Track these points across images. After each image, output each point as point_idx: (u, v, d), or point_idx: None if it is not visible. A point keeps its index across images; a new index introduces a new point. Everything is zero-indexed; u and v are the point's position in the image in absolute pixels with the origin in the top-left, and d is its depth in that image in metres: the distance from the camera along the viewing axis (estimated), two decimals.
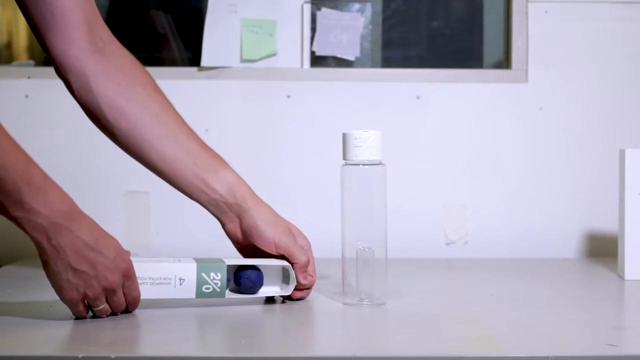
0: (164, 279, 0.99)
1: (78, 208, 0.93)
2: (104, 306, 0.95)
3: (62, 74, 1.05)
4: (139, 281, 0.98)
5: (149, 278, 0.99)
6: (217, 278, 1.00)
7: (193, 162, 1.07)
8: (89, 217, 0.95)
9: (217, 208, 1.08)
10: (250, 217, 1.07)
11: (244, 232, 1.07)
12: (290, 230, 1.08)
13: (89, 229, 0.93)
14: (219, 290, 1.00)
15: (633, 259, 1.27)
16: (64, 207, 0.92)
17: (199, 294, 1.00)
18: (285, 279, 1.05)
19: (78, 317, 0.95)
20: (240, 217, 1.08)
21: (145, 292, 0.98)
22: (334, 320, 0.99)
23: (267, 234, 1.05)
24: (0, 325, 0.93)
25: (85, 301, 0.94)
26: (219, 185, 1.07)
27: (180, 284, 1.00)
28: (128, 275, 0.96)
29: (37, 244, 0.91)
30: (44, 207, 0.90)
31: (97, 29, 1.05)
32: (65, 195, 0.93)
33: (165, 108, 1.09)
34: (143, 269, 0.99)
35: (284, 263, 1.04)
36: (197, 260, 1.02)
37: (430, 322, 0.97)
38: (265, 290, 1.04)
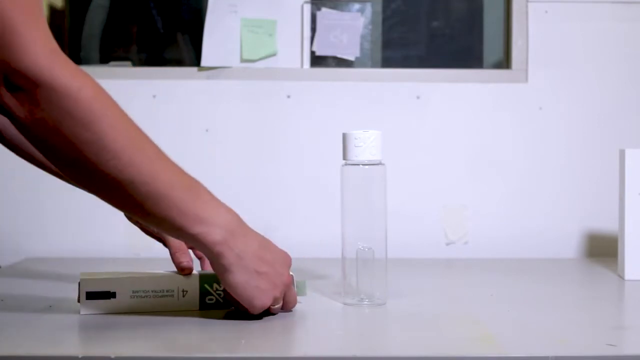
0: (167, 291, 0.99)
1: (242, 219, 0.95)
2: (280, 304, 0.97)
3: None
4: (142, 294, 0.98)
5: (152, 291, 0.99)
6: (220, 289, 1.00)
7: None
8: (250, 228, 0.96)
9: None
10: None
11: None
12: None
13: (254, 233, 0.95)
14: (222, 301, 1.00)
15: (633, 259, 1.27)
16: (233, 216, 0.93)
17: (203, 305, 1.00)
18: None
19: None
20: None
21: (148, 305, 0.98)
22: (334, 320, 0.99)
23: None
24: (0, 325, 0.94)
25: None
26: None
27: (183, 296, 1.00)
28: (288, 280, 0.98)
29: (220, 257, 0.91)
30: (220, 218, 0.91)
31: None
32: (227, 206, 0.94)
33: None
34: (145, 281, 0.98)
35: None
36: (199, 272, 1.02)
37: (430, 322, 0.97)
38: None
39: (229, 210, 0.93)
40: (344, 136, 1.04)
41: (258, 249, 0.94)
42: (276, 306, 0.96)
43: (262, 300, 0.94)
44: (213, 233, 0.90)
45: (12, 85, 0.82)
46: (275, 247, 0.98)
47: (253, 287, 0.93)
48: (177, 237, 0.95)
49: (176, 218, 0.89)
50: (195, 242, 0.91)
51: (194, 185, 0.91)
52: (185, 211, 0.89)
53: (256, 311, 0.94)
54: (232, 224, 0.92)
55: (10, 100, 0.83)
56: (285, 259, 0.97)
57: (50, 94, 0.82)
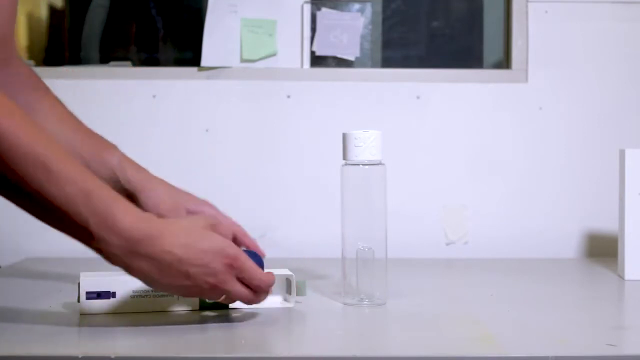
0: None
1: (154, 223, 0.86)
2: (224, 296, 0.91)
3: None
4: (142, 294, 0.98)
5: (152, 290, 0.99)
6: None
7: (78, 155, 1.06)
8: (169, 228, 0.87)
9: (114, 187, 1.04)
10: (143, 202, 1.07)
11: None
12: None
13: (169, 244, 0.85)
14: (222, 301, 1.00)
15: (633, 259, 1.27)
16: (138, 230, 0.84)
17: (203, 304, 1.00)
18: (289, 289, 1.03)
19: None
20: (135, 201, 1.07)
21: (148, 305, 0.98)
22: (334, 320, 0.99)
23: None
24: (0, 325, 0.93)
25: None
26: (102, 170, 1.07)
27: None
28: (235, 268, 0.89)
29: (125, 269, 0.86)
30: (114, 236, 0.83)
31: (9, 42, 1.05)
32: (137, 213, 0.86)
33: (53, 105, 1.11)
34: None
35: (287, 273, 1.03)
36: None
37: (430, 322, 0.97)
38: (269, 302, 1.03)
39: (133, 220, 0.84)
40: (344, 136, 1.04)
41: (168, 265, 0.86)
42: (223, 299, 0.92)
43: (189, 296, 0.93)
44: (110, 253, 0.84)
45: None
46: (201, 251, 0.87)
47: (171, 290, 0.90)
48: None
49: (72, 232, 0.85)
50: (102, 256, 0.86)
51: (89, 196, 0.83)
52: (77, 227, 0.84)
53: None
54: (133, 241, 0.84)
55: None
56: (215, 268, 0.88)
57: None
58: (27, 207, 0.86)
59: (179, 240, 0.86)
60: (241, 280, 0.91)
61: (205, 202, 1.12)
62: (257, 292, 0.92)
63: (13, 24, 1.05)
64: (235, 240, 1.09)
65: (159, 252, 0.85)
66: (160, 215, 0.95)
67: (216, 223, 0.93)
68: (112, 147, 1.11)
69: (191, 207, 1.10)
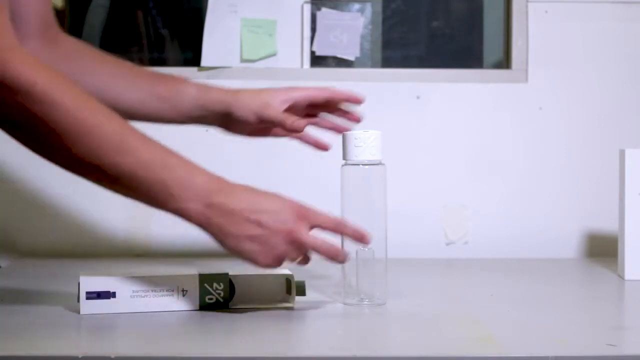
0: (167, 290, 0.99)
1: (226, 182, 0.93)
2: (301, 258, 0.94)
3: None
4: (142, 294, 0.98)
5: (152, 290, 0.99)
6: (220, 288, 1.00)
7: (158, 98, 1.12)
8: (240, 186, 0.94)
9: (206, 118, 1.14)
10: (235, 117, 1.11)
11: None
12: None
13: (240, 197, 0.92)
14: (222, 300, 1.00)
15: (633, 259, 1.27)
16: (212, 186, 0.92)
17: (203, 304, 1.00)
18: (288, 290, 1.04)
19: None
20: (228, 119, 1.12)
21: (148, 305, 0.98)
22: (334, 320, 0.99)
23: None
24: (0, 325, 0.93)
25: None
26: (186, 103, 1.12)
27: (183, 295, 1.00)
28: (305, 217, 0.93)
29: (204, 228, 0.92)
30: (192, 192, 0.90)
31: (51, 26, 1.12)
32: (209, 174, 0.93)
33: (115, 64, 1.15)
34: (145, 281, 0.98)
35: (286, 272, 1.03)
36: (199, 271, 1.02)
37: (430, 322, 0.97)
38: (268, 302, 1.03)
39: (207, 179, 0.92)
40: (344, 136, 1.04)
41: (242, 214, 0.92)
42: (295, 261, 0.95)
43: (260, 263, 0.93)
44: (188, 209, 0.91)
45: None
46: (270, 203, 0.93)
47: (243, 252, 0.92)
48: (161, 210, 0.94)
49: (149, 198, 0.91)
50: (178, 216, 0.92)
51: (164, 160, 0.91)
52: (157, 190, 0.90)
53: (270, 268, 0.95)
54: (209, 194, 0.91)
55: None
56: (288, 215, 0.93)
57: (7, 92, 0.85)
58: (99, 180, 0.92)
59: (249, 192, 0.93)
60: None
61: (287, 89, 1.13)
62: (344, 232, 0.96)
63: (50, 5, 1.13)
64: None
65: (232, 201, 0.91)
66: (254, 113, 1.07)
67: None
68: (186, 80, 1.15)
69: (278, 100, 1.11)
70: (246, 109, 1.11)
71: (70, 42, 1.16)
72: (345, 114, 1.15)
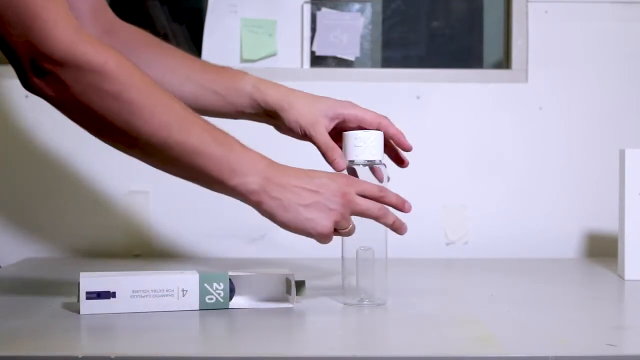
0: (167, 290, 0.99)
1: (271, 159, 0.97)
2: (351, 226, 0.97)
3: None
4: (142, 294, 0.98)
5: (152, 290, 0.99)
6: (220, 288, 1.00)
7: (213, 92, 1.13)
8: (287, 166, 0.98)
9: (259, 117, 1.14)
10: (285, 119, 1.11)
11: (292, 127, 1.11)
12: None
13: (292, 172, 0.97)
14: (222, 300, 1.00)
15: (633, 259, 1.27)
16: (266, 161, 0.96)
17: (202, 304, 1.00)
18: (288, 290, 1.03)
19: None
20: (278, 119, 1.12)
21: (148, 305, 0.98)
22: (334, 320, 0.99)
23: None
24: (0, 325, 0.93)
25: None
26: (241, 98, 1.13)
27: (183, 295, 1.00)
28: (353, 183, 0.97)
29: (260, 204, 0.95)
30: (254, 167, 0.94)
31: (103, 13, 1.12)
32: (261, 154, 0.97)
33: (173, 56, 1.15)
34: (145, 281, 0.98)
35: (286, 273, 1.03)
36: (199, 271, 1.02)
37: (430, 322, 0.97)
38: (268, 302, 1.03)
39: (262, 158, 0.96)
40: (345, 136, 1.04)
41: (296, 184, 0.95)
42: (348, 228, 0.97)
43: (319, 229, 0.95)
44: (250, 183, 0.94)
45: (40, 69, 0.87)
46: (321, 174, 0.98)
47: (304, 221, 0.95)
48: (217, 191, 0.96)
49: (213, 173, 0.93)
50: (235, 194, 0.94)
51: (226, 139, 0.95)
52: (220, 165, 0.93)
53: (324, 240, 0.97)
54: (267, 170, 0.95)
55: (39, 83, 0.89)
56: (338, 181, 0.97)
57: (77, 72, 0.87)
58: (162, 161, 0.94)
59: (298, 168, 0.98)
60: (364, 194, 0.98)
61: (344, 104, 1.13)
62: (386, 201, 0.99)
63: None
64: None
65: (286, 176, 0.95)
66: (302, 128, 1.09)
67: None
68: (243, 75, 1.15)
69: (330, 114, 1.11)
70: (294, 122, 1.11)
71: (127, 31, 1.15)
72: (393, 152, 1.15)
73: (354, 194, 0.97)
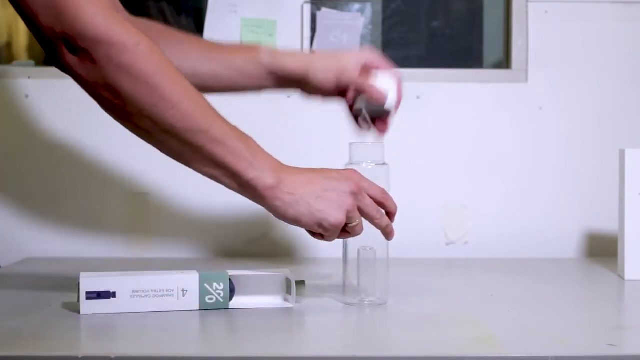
0: (167, 290, 0.99)
1: (279, 162, 0.99)
2: (359, 221, 0.98)
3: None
4: (142, 294, 0.98)
5: (152, 290, 0.99)
6: (220, 288, 1.00)
7: (231, 68, 1.15)
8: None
9: (282, 84, 1.16)
10: (311, 83, 1.14)
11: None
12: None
13: (302, 169, 0.99)
14: (222, 300, 1.00)
15: (633, 259, 1.27)
16: (277, 161, 0.98)
17: (203, 304, 1.00)
18: (289, 289, 1.03)
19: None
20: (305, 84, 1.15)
21: (148, 305, 0.98)
22: (334, 320, 0.99)
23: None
24: (0, 325, 0.93)
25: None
26: (261, 71, 1.15)
27: (183, 295, 1.00)
28: (362, 180, 0.99)
29: (274, 200, 0.96)
30: (269, 164, 0.97)
31: (118, 8, 1.12)
32: (275, 159, 0.99)
33: (187, 40, 1.18)
34: (145, 281, 0.98)
35: (286, 272, 1.03)
36: (199, 271, 1.02)
37: (430, 322, 0.97)
38: (268, 302, 1.03)
39: (274, 158, 0.99)
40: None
41: (307, 179, 0.97)
42: (356, 222, 0.98)
43: (331, 219, 0.96)
44: (266, 177, 0.95)
45: (73, 47, 0.89)
46: (331, 170, 0.99)
47: (315, 212, 0.96)
48: (231, 185, 0.97)
49: (232, 163, 0.94)
50: (249, 188, 0.95)
51: (244, 135, 0.97)
52: (239, 157, 0.94)
53: (332, 233, 0.97)
54: (280, 168, 0.97)
55: (72, 60, 0.89)
56: (346, 174, 0.98)
57: (110, 50, 0.88)
58: (184, 146, 0.94)
59: (306, 168, 1.00)
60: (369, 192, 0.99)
61: (362, 52, 1.16)
62: (385, 206, 1.00)
63: None
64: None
65: (296, 175, 0.97)
66: (331, 86, 1.13)
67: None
68: (258, 48, 1.17)
69: (352, 66, 1.13)
70: (323, 74, 1.13)
71: (138, 22, 1.16)
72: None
73: (363, 190, 0.98)
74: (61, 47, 0.89)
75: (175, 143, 0.94)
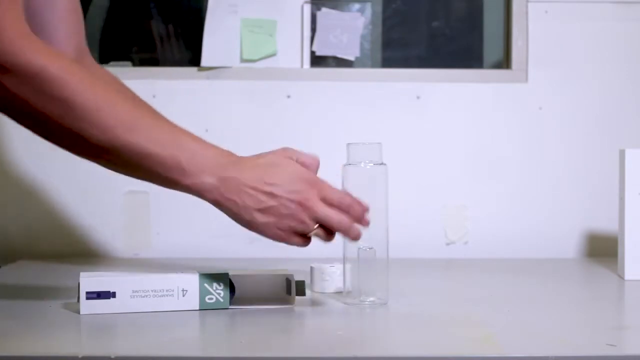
0: (167, 290, 0.99)
1: (236, 156, 0.95)
2: (316, 230, 0.94)
3: None
4: (142, 294, 0.98)
5: (152, 290, 0.99)
6: (220, 288, 1.00)
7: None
8: (250, 158, 0.96)
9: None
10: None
11: None
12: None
13: (251, 170, 0.94)
14: (222, 300, 1.00)
15: (633, 259, 1.27)
16: (223, 160, 0.94)
17: (202, 304, 1.00)
18: (288, 290, 1.03)
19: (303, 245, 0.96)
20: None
21: (148, 305, 0.98)
22: (334, 320, 0.99)
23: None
24: (0, 325, 0.93)
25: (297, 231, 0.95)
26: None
27: (183, 295, 1.00)
28: (315, 186, 0.94)
29: (217, 204, 0.93)
30: (206, 166, 0.92)
31: (79, 42, 1.12)
32: (219, 149, 0.95)
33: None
34: (145, 281, 0.98)
35: (286, 273, 1.03)
36: (199, 271, 1.02)
37: (430, 322, 0.97)
38: (268, 302, 1.03)
39: (217, 153, 0.94)
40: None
41: (254, 187, 0.93)
42: (314, 231, 0.94)
43: (273, 233, 0.94)
44: (203, 183, 0.92)
45: None
46: (281, 172, 0.94)
47: (259, 225, 0.93)
48: (175, 189, 0.95)
49: (164, 174, 0.91)
50: (192, 193, 0.93)
51: (176, 137, 0.93)
52: (170, 167, 0.91)
53: (293, 244, 0.95)
54: (222, 168, 0.93)
55: None
56: (298, 186, 0.93)
57: (17, 77, 0.86)
58: (112, 162, 0.93)
59: (259, 165, 0.94)
60: (328, 201, 0.94)
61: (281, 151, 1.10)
62: (350, 212, 0.95)
63: (80, 20, 1.14)
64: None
65: (243, 174, 0.92)
66: None
67: (294, 155, 0.98)
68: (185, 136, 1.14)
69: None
70: None
71: (93, 67, 1.15)
72: None
73: (316, 198, 0.94)
74: None
75: (102, 158, 0.93)
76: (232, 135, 1.58)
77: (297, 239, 0.96)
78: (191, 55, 1.66)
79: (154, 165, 0.91)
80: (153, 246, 1.57)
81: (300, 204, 0.93)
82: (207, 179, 0.92)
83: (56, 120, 0.89)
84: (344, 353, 0.84)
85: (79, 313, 0.97)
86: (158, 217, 1.57)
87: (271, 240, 0.96)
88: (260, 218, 0.93)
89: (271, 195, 0.93)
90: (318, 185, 0.95)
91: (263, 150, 1.59)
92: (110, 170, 0.96)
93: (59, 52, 0.90)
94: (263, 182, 0.93)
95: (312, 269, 1.13)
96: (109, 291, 0.98)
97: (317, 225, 0.95)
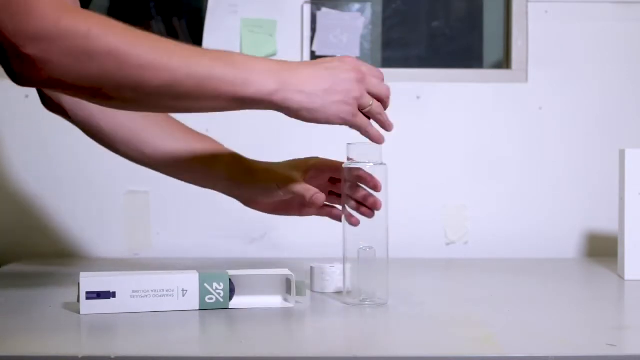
0: (167, 290, 0.99)
1: (280, 61, 0.98)
2: (372, 102, 0.99)
3: (53, 101, 1.17)
4: (142, 294, 0.98)
5: (152, 290, 0.99)
6: (220, 288, 1.00)
7: (191, 151, 1.17)
8: (296, 62, 1.00)
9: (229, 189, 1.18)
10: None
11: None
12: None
13: (299, 64, 0.98)
14: (222, 300, 1.00)
15: (633, 259, 1.27)
16: (276, 65, 0.96)
17: (202, 304, 1.00)
18: (289, 289, 1.03)
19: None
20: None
21: (148, 305, 0.98)
22: (334, 320, 0.99)
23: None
24: (0, 325, 0.93)
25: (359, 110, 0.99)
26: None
27: (183, 295, 1.00)
28: (360, 63, 1.00)
29: (285, 102, 0.95)
30: (263, 70, 0.94)
31: None
32: (267, 58, 0.99)
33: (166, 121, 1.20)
34: (145, 281, 0.98)
35: (286, 273, 1.03)
36: (199, 271, 1.02)
37: (430, 322, 0.97)
38: (268, 302, 1.03)
39: (270, 61, 0.96)
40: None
41: (314, 74, 0.96)
42: (370, 105, 0.99)
43: (344, 110, 0.97)
44: (266, 85, 0.94)
45: (24, 55, 0.85)
46: (330, 60, 0.99)
47: (331, 105, 0.96)
48: (240, 107, 0.96)
49: (229, 91, 0.93)
50: (255, 102, 0.95)
51: (226, 55, 0.95)
52: (232, 81, 0.93)
53: (354, 118, 0.98)
54: (279, 71, 0.95)
55: (27, 67, 0.87)
56: (348, 62, 0.98)
57: (64, 45, 0.86)
58: (177, 98, 0.94)
59: (306, 62, 1.05)
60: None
61: (308, 158, 1.20)
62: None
63: None
64: None
65: (298, 72, 0.96)
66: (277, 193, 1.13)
67: None
68: (220, 145, 1.25)
69: (299, 176, 1.14)
70: (270, 180, 1.14)
71: None
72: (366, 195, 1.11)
73: (366, 74, 0.99)
74: (14, 58, 0.87)
75: (166, 100, 0.93)
76: (232, 135, 1.58)
77: (361, 118, 0.99)
78: None
79: (218, 86, 0.92)
80: (153, 246, 1.57)
81: (357, 74, 0.98)
82: (268, 81, 0.94)
83: (112, 77, 0.89)
84: (344, 353, 0.84)
85: (79, 313, 0.97)
86: (158, 217, 1.57)
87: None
88: (329, 97, 0.96)
89: (329, 76, 0.96)
90: (361, 64, 1.00)
91: (263, 151, 1.60)
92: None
93: (93, 13, 0.91)
94: (321, 67, 0.97)
95: (312, 269, 1.13)
96: (109, 291, 0.98)
97: (372, 101, 1.00)
